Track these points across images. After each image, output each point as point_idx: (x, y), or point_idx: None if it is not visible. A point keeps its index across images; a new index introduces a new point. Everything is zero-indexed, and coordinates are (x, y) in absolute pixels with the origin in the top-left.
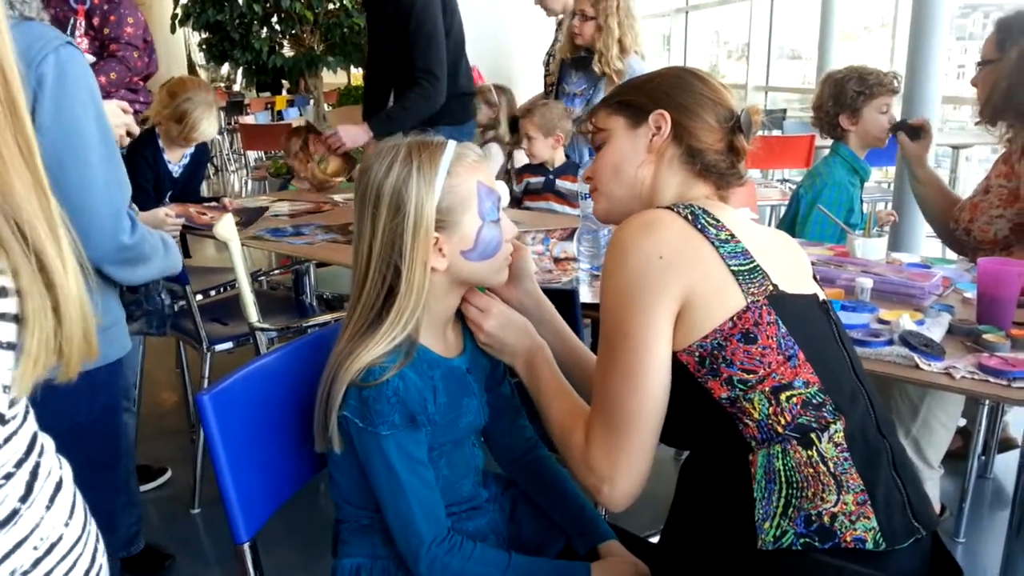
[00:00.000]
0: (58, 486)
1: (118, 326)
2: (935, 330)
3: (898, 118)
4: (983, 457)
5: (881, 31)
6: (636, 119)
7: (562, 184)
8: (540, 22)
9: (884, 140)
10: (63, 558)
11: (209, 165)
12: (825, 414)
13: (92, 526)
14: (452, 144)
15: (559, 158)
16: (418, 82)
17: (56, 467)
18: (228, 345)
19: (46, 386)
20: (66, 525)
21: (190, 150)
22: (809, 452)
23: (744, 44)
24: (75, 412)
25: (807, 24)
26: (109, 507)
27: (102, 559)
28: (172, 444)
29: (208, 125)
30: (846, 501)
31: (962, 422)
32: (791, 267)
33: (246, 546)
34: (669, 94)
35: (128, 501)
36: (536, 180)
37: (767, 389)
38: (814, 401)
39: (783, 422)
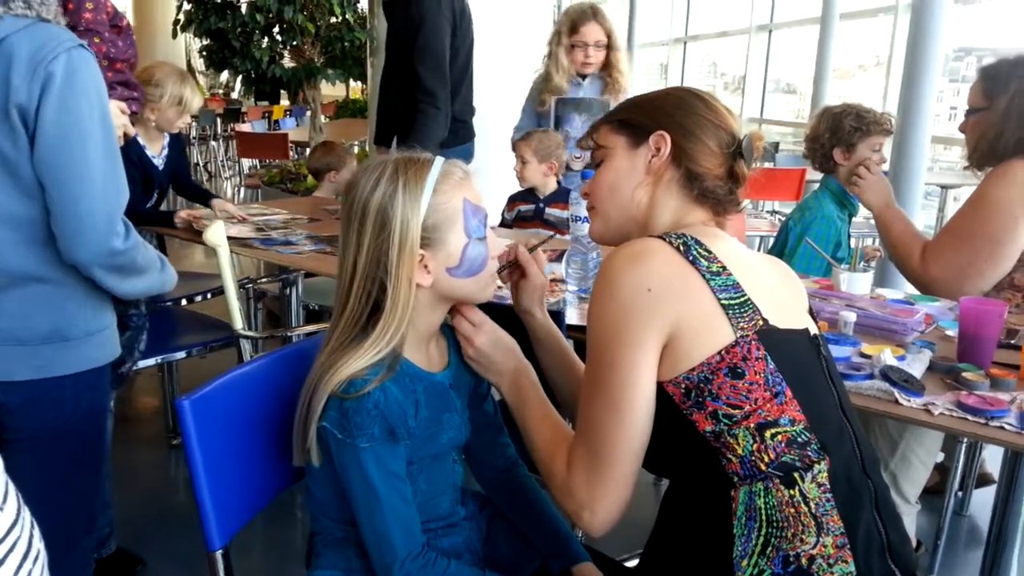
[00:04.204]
0: None
1: (109, 331)
2: (916, 366)
3: (888, 157)
4: (960, 494)
5: (876, 70)
6: (637, 139)
7: (551, 212)
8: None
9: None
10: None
11: (204, 171)
12: (810, 453)
13: (26, 512)
14: (439, 161)
15: (550, 186)
16: (418, 107)
17: None
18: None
19: (33, 386)
20: (0, 510)
21: (166, 139)
22: (791, 491)
23: (740, 76)
24: (60, 412)
25: (803, 60)
26: (89, 506)
27: (39, 544)
28: (149, 448)
29: (191, 94)
30: (825, 544)
31: (940, 457)
32: (784, 300)
33: (218, 553)
34: (671, 115)
35: (103, 503)
36: (527, 208)
37: (752, 425)
38: (799, 440)
39: (766, 459)
